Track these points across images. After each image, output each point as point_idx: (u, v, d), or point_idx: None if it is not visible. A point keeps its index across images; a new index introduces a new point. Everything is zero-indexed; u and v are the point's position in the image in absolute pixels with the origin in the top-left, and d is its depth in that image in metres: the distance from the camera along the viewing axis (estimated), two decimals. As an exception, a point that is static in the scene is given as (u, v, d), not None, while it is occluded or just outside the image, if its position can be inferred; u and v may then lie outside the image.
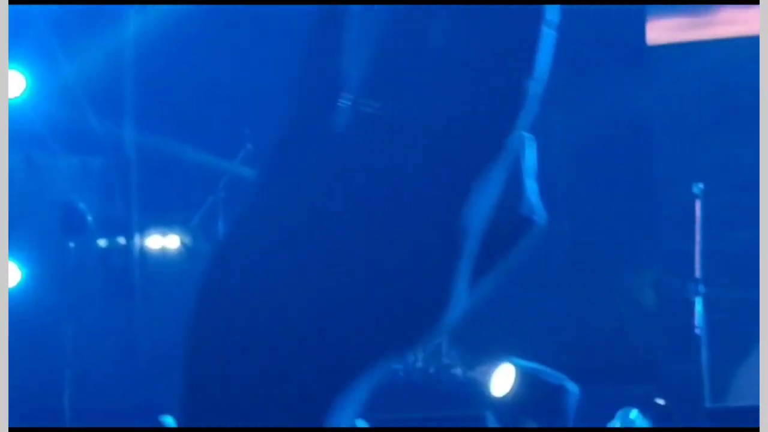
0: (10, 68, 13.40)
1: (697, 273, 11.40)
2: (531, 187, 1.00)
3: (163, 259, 14.74)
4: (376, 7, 0.99)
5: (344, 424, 1.03)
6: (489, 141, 0.95)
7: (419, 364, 13.90)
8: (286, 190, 0.96)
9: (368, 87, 0.98)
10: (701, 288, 11.44)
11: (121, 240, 14.28)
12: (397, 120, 0.96)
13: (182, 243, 14.63)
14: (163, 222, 14.51)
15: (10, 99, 13.25)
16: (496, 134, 0.95)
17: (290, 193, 0.96)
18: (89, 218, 13.38)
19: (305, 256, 0.96)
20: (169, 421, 9.67)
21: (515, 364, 9.61)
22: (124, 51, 14.43)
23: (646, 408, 11.02)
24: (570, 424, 9.59)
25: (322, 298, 0.97)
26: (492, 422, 9.65)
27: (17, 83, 13.93)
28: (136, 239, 14.39)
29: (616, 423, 9.82)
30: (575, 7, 13.20)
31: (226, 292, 0.99)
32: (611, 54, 13.97)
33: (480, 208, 0.95)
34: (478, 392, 10.81)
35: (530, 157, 1.00)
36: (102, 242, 14.18)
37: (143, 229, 14.38)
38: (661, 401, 11.42)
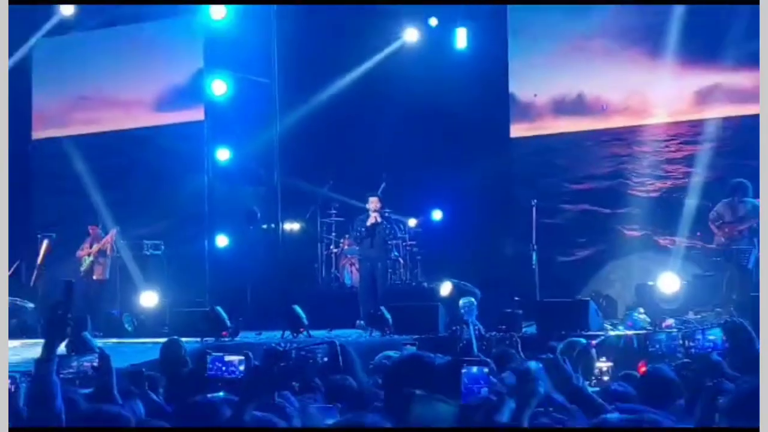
0: (223, 147, 18.58)
1: (534, 241, 15.85)
2: None
3: (291, 232, 19.71)
4: None
5: None
6: None
7: (399, 281, 17.76)
8: None
9: None
10: (534, 248, 15.79)
11: (272, 225, 19.18)
12: None
13: (300, 226, 19.72)
14: (292, 216, 19.64)
15: (223, 161, 18.42)
16: None
17: None
18: (258, 215, 19.01)
19: None
20: (297, 309, 14.25)
21: (452, 281, 15.18)
22: (275, 130, 19.00)
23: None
24: (476, 309, 12.70)
25: None
26: (442, 311, 14.50)
27: (225, 154, 18.81)
28: (279, 224, 19.17)
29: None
30: (466, 113, 17.97)
31: None
32: (487, 143, 18.51)
33: None
34: (434, 293, 15.60)
35: None
36: (264, 226, 19.27)
37: (283, 219, 19.27)
38: (516, 298, 15.41)
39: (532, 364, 5.15)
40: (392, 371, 4.94)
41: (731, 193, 14.87)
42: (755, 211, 14.48)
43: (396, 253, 17.59)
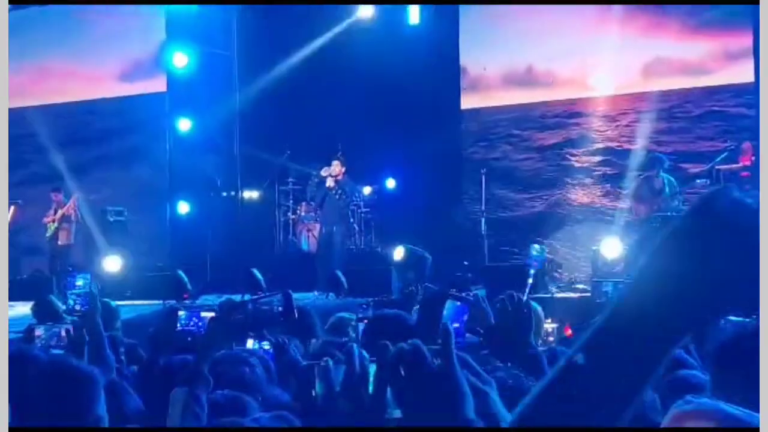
0: (184, 118, 17.69)
1: (483, 208, 15.73)
2: None
3: (250, 199, 18.72)
4: None
5: None
6: None
7: (354, 246, 17.07)
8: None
9: None
10: (483, 215, 15.62)
11: (232, 193, 18.62)
12: None
13: (259, 194, 18.55)
14: (251, 185, 18.72)
15: (184, 131, 17.54)
16: None
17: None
18: (218, 183, 18.44)
19: None
20: (256, 273, 12.19)
21: (405, 246, 14.41)
22: (235, 102, 18.38)
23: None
24: (427, 272, 13.38)
25: None
26: (394, 275, 14.18)
27: (186, 124, 17.93)
28: (239, 191, 18.61)
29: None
30: (419, 86, 16.93)
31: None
32: (438, 115, 17.73)
33: None
34: (387, 257, 15.16)
35: None
36: (224, 194, 18.58)
37: (243, 188, 18.66)
38: (466, 263, 15.51)
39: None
40: (372, 326, 5.15)
41: (650, 167, 14.48)
42: (670, 185, 14.26)
43: (353, 220, 17.09)
